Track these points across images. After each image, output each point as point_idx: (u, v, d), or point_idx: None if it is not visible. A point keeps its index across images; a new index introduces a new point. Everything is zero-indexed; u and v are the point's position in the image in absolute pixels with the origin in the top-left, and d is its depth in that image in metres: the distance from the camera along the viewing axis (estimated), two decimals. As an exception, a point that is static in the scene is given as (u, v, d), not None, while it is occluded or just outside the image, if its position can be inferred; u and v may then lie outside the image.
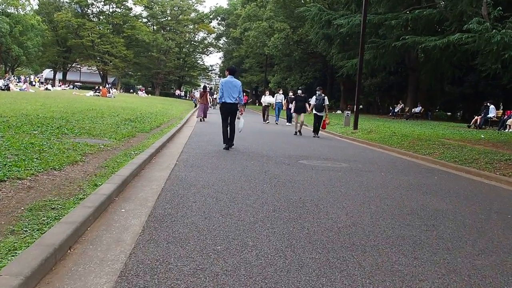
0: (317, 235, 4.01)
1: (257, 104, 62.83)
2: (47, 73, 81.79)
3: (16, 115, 12.38)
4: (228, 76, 10.63)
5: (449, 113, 46.09)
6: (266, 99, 25.93)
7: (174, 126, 15.44)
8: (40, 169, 5.59)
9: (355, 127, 19.49)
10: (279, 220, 4.46)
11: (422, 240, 4.11)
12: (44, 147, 7.26)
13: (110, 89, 41.08)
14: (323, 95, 16.97)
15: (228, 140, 10.48)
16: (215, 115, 27.97)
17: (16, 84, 34.02)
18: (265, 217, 4.52)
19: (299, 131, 17.28)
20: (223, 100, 10.41)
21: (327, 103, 17.15)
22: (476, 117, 23.78)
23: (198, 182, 6.12)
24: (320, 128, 17.32)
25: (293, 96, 23.03)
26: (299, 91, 18.55)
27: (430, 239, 4.14)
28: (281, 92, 26.09)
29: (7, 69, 73.09)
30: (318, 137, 16.69)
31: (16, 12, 65.44)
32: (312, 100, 17.03)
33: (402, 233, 4.29)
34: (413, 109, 32.57)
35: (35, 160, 6.12)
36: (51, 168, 5.77)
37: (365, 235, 4.13)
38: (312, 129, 17.41)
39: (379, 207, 5.37)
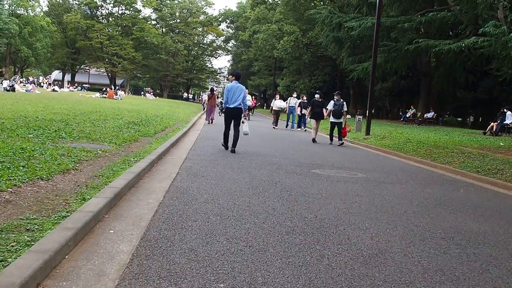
0: (339, 268, 3.35)
1: (264, 107, 62.13)
2: (56, 74, 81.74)
3: (14, 116, 11.83)
4: (233, 81, 10.75)
5: (459, 119, 45.12)
6: (277, 103, 23.76)
7: (180, 130, 14.84)
8: (25, 179, 4.99)
9: (367, 132, 18.79)
10: (293, 245, 3.80)
11: (465, 274, 3.43)
12: (35, 153, 6.67)
13: (117, 91, 40.54)
14: (341, 100, 15.89)
15: (229, 143, 10.72)
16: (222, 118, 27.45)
17: (23, 85, 33.54)
18: (277, 242, 3.86)
19: (314, 139, 16.09)
20: (228, 105, 10.56)
21: (346, 109, 16.02)
22: (492, 124, 22.97)
23: (201, 196, 5.48)
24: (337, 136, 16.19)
25: (305, 101, 22.09)
26: (317, 96, 16.92)
27: (475, 274, 3.47)
28: (295, 95, 23.81)
29: (16, 70, 73.06)
30: (343, 144, 15.53)
31: (26, 13, 65.34)
32: (330, 105, 15.73)
33: (440, 264, 3.62)
34: (425, 115, 31.75)
35: (21, 168, 5.52)
36: (38, 178, 5.16)
37: (397, 267, 3.46)
38: (329, 137, 16.16)
39: (407, 228, 4.69)
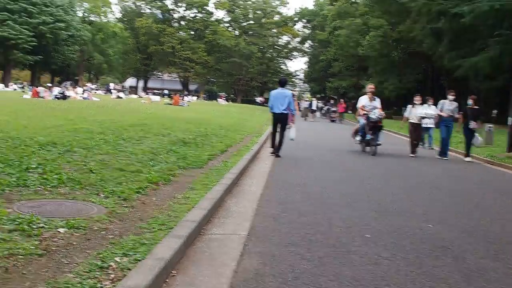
0: None
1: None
2: (131, 81, 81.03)
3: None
4: (279, 87, 10.95)
5: None
6: (418, 111, 13.35)
7: (248, 150, 10.28)
8: None
9: (510, 148, 13.39)
10: None
11: None
12: None
13: (184, 97, 36.93)
14: None
15: (277, 148, 10.68)
16: (308, 132, 21.95)
17: (77, 93, 30.64)
18: None
19: None
20: (273, 111, 10.76)
21: None
22: None
23: None
24: None
25: (475, 107, 12.52)
26: None
27: None
28: (452, 97, 12.93)
29: (91, 76, 72.77)
30: None
31: (99, 19, 64.58)
32: None
33: None
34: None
35: None
36: None
37: None
38: None
39: None
